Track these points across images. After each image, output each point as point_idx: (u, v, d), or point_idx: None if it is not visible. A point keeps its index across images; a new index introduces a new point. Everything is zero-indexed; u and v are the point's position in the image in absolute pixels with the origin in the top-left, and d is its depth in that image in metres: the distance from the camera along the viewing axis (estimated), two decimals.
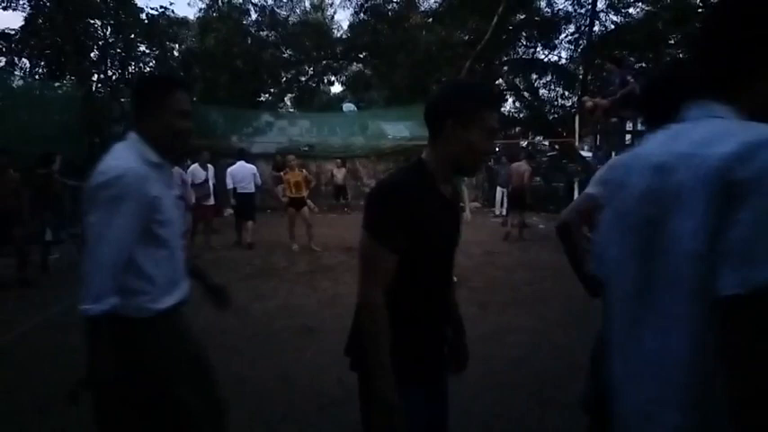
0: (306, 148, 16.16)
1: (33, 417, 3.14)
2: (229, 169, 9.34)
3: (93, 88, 15.02)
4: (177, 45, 18.65)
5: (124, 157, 1.72)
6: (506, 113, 22.88)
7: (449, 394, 1.75)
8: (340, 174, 15.28)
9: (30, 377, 3.71)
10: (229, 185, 9.21)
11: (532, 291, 5.99)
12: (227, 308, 2.17)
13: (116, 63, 15.77)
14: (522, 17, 20.06)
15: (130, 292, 1.69)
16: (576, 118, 9.91)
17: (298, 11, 22.24)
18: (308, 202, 9.15)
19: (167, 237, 1.78)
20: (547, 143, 19.26)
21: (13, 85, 13.95)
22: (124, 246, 1.65)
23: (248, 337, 4.40)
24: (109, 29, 15.40)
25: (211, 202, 8.94)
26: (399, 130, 17.06)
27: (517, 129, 22.99)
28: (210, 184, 8.92)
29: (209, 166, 9.02)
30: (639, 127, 12.19)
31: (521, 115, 22.50)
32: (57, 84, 14.63)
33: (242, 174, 9.22)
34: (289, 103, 24.57)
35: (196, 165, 8.80)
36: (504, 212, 12.28)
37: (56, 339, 4.55)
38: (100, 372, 1.63)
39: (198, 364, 1.90)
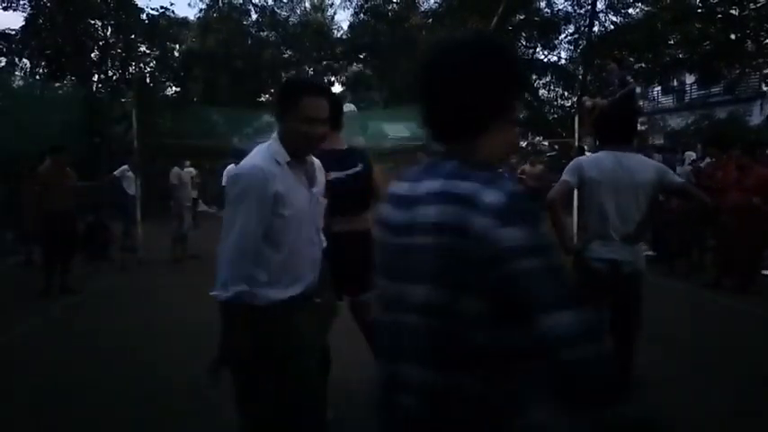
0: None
1: (33, 417, 3.14)
2: None
3: (94, 88, 15.02)
4: (178, 45, 18.66)
5: (252, 156, 1.87)
6: None
7: None
8: None
9: (30, 377, 3.71)
10: None
11: None
12: None
13: (116, 63, 15.79)
14: (521, 17, 20.07)
15: (251, 279, 1.80)
16: (576, 118, 9.91)
17: (298, 11, 22.27)
18: None
19: (290, 230, 1.85)
20: (546, 143, 19.25)
21: (14, 85, 13.97)
22: (250, 238, 1.77)
23: None
24: (109, 29, 15.41)
25: None
26: (399, 130, 17.02)
27: (517, 129, 22.98)
28: None
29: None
30: (639, 127, 12.15)
31: (520, 115, 22.46)
32: (57, 84, 14.65)
33: None
34: None
35: (232, 166, 8.66)
36: None
37: (56, 339, 4.55)
38: (231, 352, 1.79)
39: (286, 365, 1.91)
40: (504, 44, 1.11)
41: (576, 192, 2.84)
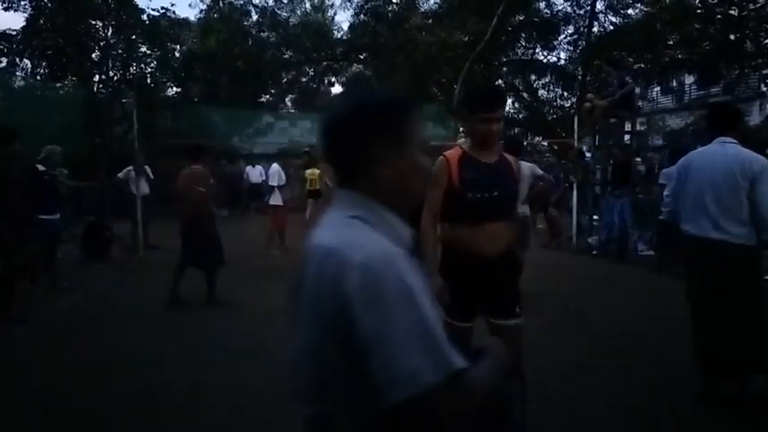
0: (307, 149, 16.18)
1: (33, 417, 3.16)
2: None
3: (95, 89, 15.03)
4: (178, 46, 18.66)
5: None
6: (506, 114, 22.88)
7: None
8: None
9: (30, 377, 3.74)
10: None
11: (533, 290, 6.02)
12: None
13: (117, 64, 15.77)
14: (521, 18, 20.08)
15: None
16: (575, 119, 9.95)
17: (298, 12, 22.29)
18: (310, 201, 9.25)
19: None
20: (546, 143, 19.28)
21: (15, 85, 13.98)
22: None
23: (248, 337, 4.43)
24: (110, 30, 15.40)
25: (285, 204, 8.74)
26: None
27: (516, 129, 23.00)
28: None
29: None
30: (639, 128, 12.16)
31: (520, 116, 22.50)
32: (58, 84, 14.65)
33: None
34: (289, 103, 24.59)
35: (276, 165, 8.57)
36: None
37: (56, 339, 4.58)
38: None
39: None
40: None
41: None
